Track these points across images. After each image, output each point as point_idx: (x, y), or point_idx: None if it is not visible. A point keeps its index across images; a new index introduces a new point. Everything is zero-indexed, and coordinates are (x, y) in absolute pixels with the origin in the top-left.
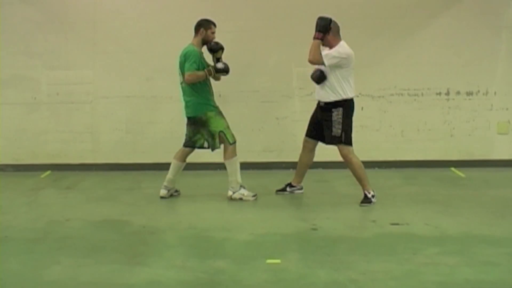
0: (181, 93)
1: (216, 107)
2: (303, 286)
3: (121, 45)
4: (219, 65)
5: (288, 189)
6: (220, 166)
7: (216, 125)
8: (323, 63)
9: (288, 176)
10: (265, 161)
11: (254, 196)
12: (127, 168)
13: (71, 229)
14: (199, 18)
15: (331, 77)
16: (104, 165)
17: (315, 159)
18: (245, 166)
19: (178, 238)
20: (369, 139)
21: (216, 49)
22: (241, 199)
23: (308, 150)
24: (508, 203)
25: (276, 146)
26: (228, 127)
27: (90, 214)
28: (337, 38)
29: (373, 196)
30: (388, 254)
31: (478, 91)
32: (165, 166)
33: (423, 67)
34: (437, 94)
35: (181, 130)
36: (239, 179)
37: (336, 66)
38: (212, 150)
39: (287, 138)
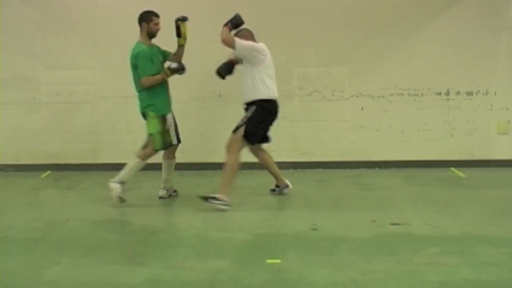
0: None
1: (160, 110)
2: (303, 286)
3: (121, 45)
4: (174, 65)
5: (276, 189)
6: (220, 166)
7: (150, 127)
8: (233, 46)
9: (288, 176)
10: None
11: (122, 200)
12: None
13: (71, 229)
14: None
15: (247, 79)
16: (104, 165)
17: (315, 159)
18: (245, 166)
19: (178, 238)
20: (369, 139)
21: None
22: (112, 190)
23: (256, 154)
24: (508, 203)
25: (276, 146)
26: (161, 133)
27: (90, 214)
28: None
29: (224, 202)
30: (388, 254)
31: (478, 91)
32: None
33: (423, 67)
34: (437, 94)
35: (181, 130)
36: (126, 177)
37: (249, 61)
38: (144, 147)
39: (287, 138)
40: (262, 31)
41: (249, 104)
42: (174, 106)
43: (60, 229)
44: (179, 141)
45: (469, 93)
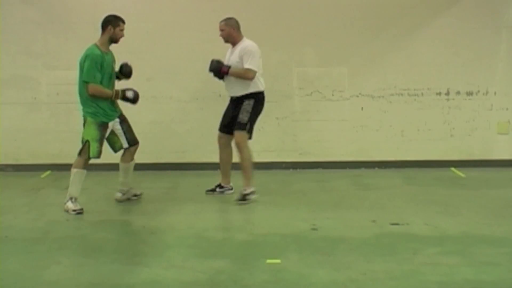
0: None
1: (100, 117)
2: (303, 286)
3: (121, 45)
4: (129, 94)
5: (217, 189)
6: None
7: (87, 133)
8: (255, 74)
9: (288, 176)
10: (265, 161)
11: (79, 211)
12: None
13: (71, 229)
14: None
15: None
16: (104, 165)
17: (315, 159)
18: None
19: (178, 238)
20: (369, 139)
21: (126, 74)
22: (66, 211)
23: (224, 146)
24: (508, 203)
25: (276, 146)
26: (97, 140)
27: (90, 214)
28: (240, 35)
29: (252, 192)
30: (388, 254)
31: (478, 91)
32: (165, 166)
33: (423, 67)
34: (437, 94)
35: (181, 130)
36: (75, 193)
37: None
38: (79, 153)
39: (287, 138)
40: (262, 31)
41: (243, 97)
42: (176, 107)
43: (60, 229)
44: (134, 143)
45: (469, 93)
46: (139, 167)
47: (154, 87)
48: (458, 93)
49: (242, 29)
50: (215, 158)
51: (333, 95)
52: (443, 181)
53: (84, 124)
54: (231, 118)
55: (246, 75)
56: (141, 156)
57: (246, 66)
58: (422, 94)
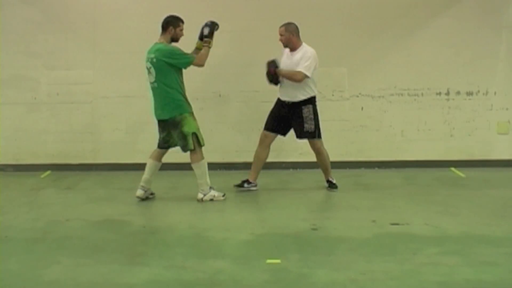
0: (153, 94)
1: (190, 108)
2: (303, 286)
3: (121, 45)
4: (206, 31)
5: (245, 185)
6: (221, 166)
7: (189, 126)
8: (306, 77)
9: (288, 176)
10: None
11: (223, 196)
12: (127, 168)
13: (71, 229)
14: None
15: None
16: (104, 165)
17: (315, 159)
18: (245, 166)
19: (178, 238)
20: (369, 139)
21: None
22: (212, 200)
23: (266, 145)
24: (508, 203)
25: (276, 146)
26: (199, 129)
27: (90, 214)
28: (299, 40)
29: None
30: (388, 254)
31: (478, 91)
32: (164, 166)
33: (423, 67)
34: (437, 94)
35: None
36: (209, 181)
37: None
38: (185, 151)
39: (287, 138)
40: (262, 31)
41: (300, 104)
42: None
43: (60, 229)
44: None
45: (469, 93)
46: (140, 167)
47: None
48: (458, 93)
49: (242, 29)
50: (215, 158)
51: (333, 95)
52: (443, 181)
53: (178, 125)
54: (282, 119)
55: (294, 76)
56: (141, 156)
57: (298, 68)
58: (422, 94)
